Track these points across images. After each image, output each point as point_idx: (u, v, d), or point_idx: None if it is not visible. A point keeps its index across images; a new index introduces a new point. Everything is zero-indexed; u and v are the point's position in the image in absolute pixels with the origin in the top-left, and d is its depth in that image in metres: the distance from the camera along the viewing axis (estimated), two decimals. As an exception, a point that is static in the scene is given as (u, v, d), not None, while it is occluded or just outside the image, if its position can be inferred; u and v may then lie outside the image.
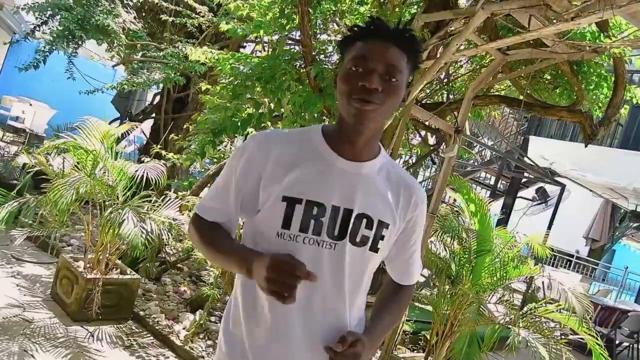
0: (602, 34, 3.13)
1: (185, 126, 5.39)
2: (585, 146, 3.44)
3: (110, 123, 8.83)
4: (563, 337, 3.93)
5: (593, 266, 15.43)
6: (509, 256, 4.26)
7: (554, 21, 2.79)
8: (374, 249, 1.34)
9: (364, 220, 1.32)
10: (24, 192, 4.15)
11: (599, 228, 14.15)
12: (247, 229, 1.40)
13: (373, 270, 1.41)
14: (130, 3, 6.06)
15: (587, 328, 3.98)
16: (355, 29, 1.30)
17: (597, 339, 3.95)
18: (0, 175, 6.19)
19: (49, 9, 5.59)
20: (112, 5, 5.65)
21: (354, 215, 1.30)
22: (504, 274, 4.21)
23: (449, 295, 4.21)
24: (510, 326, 4.02)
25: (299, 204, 1.27)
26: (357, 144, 1.32)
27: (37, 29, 5.96)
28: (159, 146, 4.70)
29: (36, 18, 5.77)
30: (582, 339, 4.08)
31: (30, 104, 13.86)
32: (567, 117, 3.50)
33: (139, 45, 6.00)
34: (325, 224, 1.28)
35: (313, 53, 2.96)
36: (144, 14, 6.90)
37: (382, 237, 1.35)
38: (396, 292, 1.55)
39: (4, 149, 6.56)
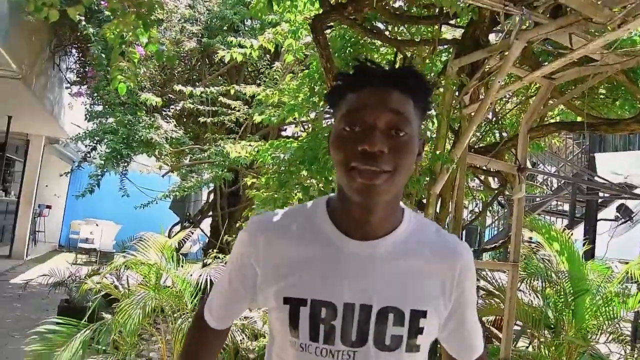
0: (654, 36, 2.90)
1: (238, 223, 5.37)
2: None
3: (171, 228, 9.08)
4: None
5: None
6: (611, 291, 3.85)
7: (597, 33, 2.59)
8: (413, 347, 1.04)
9: (391, 316, 1.02)
10: (96, 316, 4.17)
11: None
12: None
13: None
14: (170, 113, 6.29)
15: None
16: (342, 77, 1.03)
17: None
18: (74, 299, 6.29)
19: (96, 136, 5.86)
20: (152, 119, 5.86)
21: (374, 311, 1.02)
22: (610, 311, 3.80)
23: (554, 347, 3.80)
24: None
25: (303, 306, 1.02)
26: (368, 222, 1.03)
27: (89, 155, 6.25)
28: (218, 244, 4.65)
29: (86, 146, 6.05)
30: None
31: (97, 224, 14.54)
32: (638, 129, 3.21)
33: (185, 150, 6.17)
34: (337, 329, 1.01)
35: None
36: (184, 120, 7.16)
37: (421, 331, 1.04)
38: None
39: (74, 274, 6.69)
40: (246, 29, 7.14)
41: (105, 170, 5.58)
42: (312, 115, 4.32)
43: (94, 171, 5.70)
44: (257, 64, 6.60)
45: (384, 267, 1.04)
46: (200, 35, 6.78)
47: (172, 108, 6.27)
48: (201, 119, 6.03)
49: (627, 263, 4.30)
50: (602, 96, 3.76)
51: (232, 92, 5.90)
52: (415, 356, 1.05)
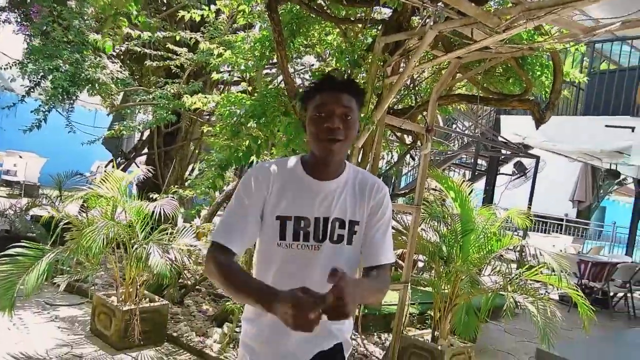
0: (535, 34, 3.67)
1: (186, 161, 5.82)
2: (537, 129, 3.98)
3: (107, 165, 9.29)
4: (546, 293, 4.46)
5: (583, 226, 16.07)
6: (492, 231, 4.79)
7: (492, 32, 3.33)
8: (349, 242, 1.73)
9: (337, 223, 1.71)
10: (47, 244, 4.60)
11: (583, 189, 14.79)
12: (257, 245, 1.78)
13: (355, 264, 1.77)
14: (114, 53, 6.50)
15: (567, 283, 4.52)
16: (314, 84, 1.71)
17: (577, 291, 4.50)
18: (17, 229, 6.59)
19: (41, 71, 6.01)
20: (99, 59, 6.09)
21: (330, 221, 1.70)
22: (490, 248, 4.75)
23: (444, 275, 4.73)
24: (502, 292, 4.56)
25: (289, 220, 1.68)
26: (328, 169, 1.72)
27: (32, 89, 6.39)
28: (175, 186, 5.13)
29: (30, 81, 6.19)
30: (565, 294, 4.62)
31: (20, 156, 14.18)
32: (518, 105, 4.03)
33: (129, 91, 6.46)
34: (311, 232, 1.69)
35: (295, 86, 3.47)
36: (128, 62, 7.35)
37: (355, 232, 1.73)
38: (371, 275, 1.75)
39: (15, 205, 6.94)
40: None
41: (52, 106, 5.80)
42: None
43: (40, 107, 5.87)
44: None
45: (335, 195, 1.72)
46: (145, -21, 6.93)
47: (117, 49, 6.47)
48: (147, 63, 6.31)
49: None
50: (499, 74, 4.55)
51: (177, 38, 6.24)
52: (349, 248, 1.73)
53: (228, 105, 3.60)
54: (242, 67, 3.89)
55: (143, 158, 9.36)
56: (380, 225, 1.79)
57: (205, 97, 4.03)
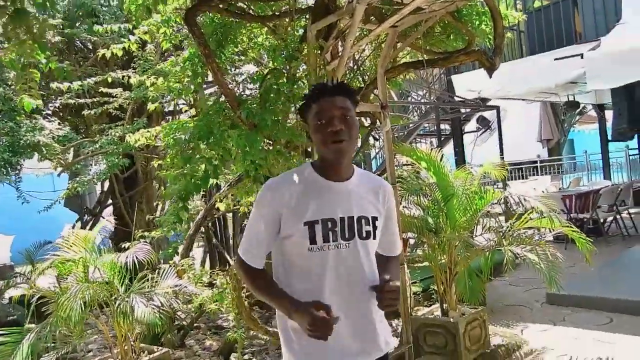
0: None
1: (152, 201, 5.61)
2: (490, 77, 3.89)
3: (73, 226, 8.96)
4: (541, 238, 4.39)
5: (557, 163, 16.26)
6: (473, 191, 4.70)
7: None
8: (374, 237, 1.86)
9: (363, 221, 1.82)
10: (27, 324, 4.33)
11: (548, 127, 14.95)
12: (276, 251, 1.87)
13: (374, 256, 1.91)
14: (50, 112, 6.23)
15: (559, 222, 4.46)
16: (308, 96, 1.83)
17: (571, 227, 4.44)
18: (-3, 317, 6.26)
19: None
20: (35, 122, 5.82)
21: (355, 219, 1.80)
22: (475, 208, 4.65)
23: (437, 246, 4.62)
24: (499, 248, 4.47)
25: (317, 224, 1.75)
26: (340, 170, 1.82)
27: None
28: (141, 230, 4.94)
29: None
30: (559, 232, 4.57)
31: (-15, 240, 13.66)
32: (465, 59, 3.94)
33: (75, 145, 6.20)
34: (338, 232, 1.77)
35: (236, 96, 3.31)
36: (68, 117, 7.08)
37: (376, 228, 1.86)
38: (388, 261, 2.03)
39: (-14, 293, 6.59)
40: (104, 9, 7.08)
41: (-1, 181, 5.53)
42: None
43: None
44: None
45: (353, 195, 1.83)
46: (62, 27, 6.67)
47: (51, 106, 6.20)
48: (84, 112, 6.06)
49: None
50: (438, 34, 4.46)
51: (108, 80, 6.00)
52: (374, 242, 1.87)
53: (171, 133, 3.41)
54: (178, 92, 3.70)
55: (110, 209, 9.09)
56: (392, 223, 2.01)
57: (148, 131, 3.83)
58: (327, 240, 1.76)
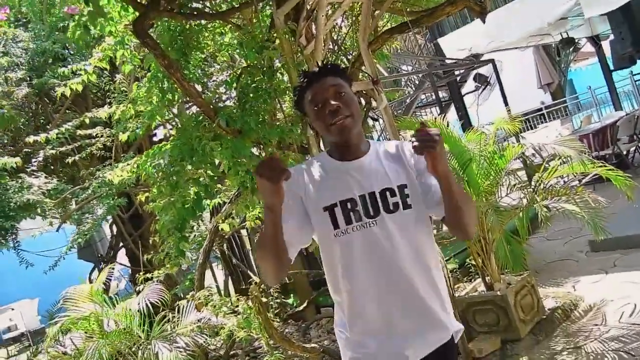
0: None
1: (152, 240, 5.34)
2: (484, 22, 3.52)
3: (90, 276, 8.73)
4: (579, 185, 4.02)
5: (563, 105, 15.79)
6: (490, 151, 4.33)
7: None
8: (406, 206, 1.68)
9: (387, 193, 1.68)
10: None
11: (545, 71, 14.49)
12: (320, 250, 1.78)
13: (423, 224, 1.73)
14: (35, 167, 5.96)
15: (590, 163, 4.09)
16: (298, 87, 1.77)
17: (605, 166, 4.06)
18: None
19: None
20: (20, 181, 5.54)
21: (376, 193, 1.67)
22: (497, 169, 4.29)
23: (465, 217, 4.25)
24: (532, 205, 4.10)
25: (336, 207, 1.67)
26: (352, 147, 1.74)
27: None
28: (142, 272, 4.65)
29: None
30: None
31: (12, 309, 13.56)
32: (452, 10, 3.56)
33: (68, 196, 5.92)
34: (361, 210, 1.66)
35: (211, 106, 2.98)
36: (52, 167, 6.80)
37: (407, 195, 1.69)
38: None
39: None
40: (71, 52, 6.80)
41: (-4, 250, 5.25)
42: (175, 111, 4.34)
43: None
44: (99, 83, 6.37)
45: (371, 169, 1.72)
46: (28, 79, 6.39)
47: (34, 161, 5.93)
48: (69, 160, 5.77)
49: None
50: (416, -10, 4.10)
51: (86, 121, 5.70)
52: (411, 211, 1.69)
53: (148, 161, 3.09)
54: (151, 113, 3.37)
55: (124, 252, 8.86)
56: (430, 177, 1.71)
57: (127, 164, 3.52)
58: (349, 222, 1.66)
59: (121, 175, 3.61)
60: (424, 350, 1.73)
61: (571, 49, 14.72)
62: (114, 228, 8.74)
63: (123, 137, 3.80)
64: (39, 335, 12.44)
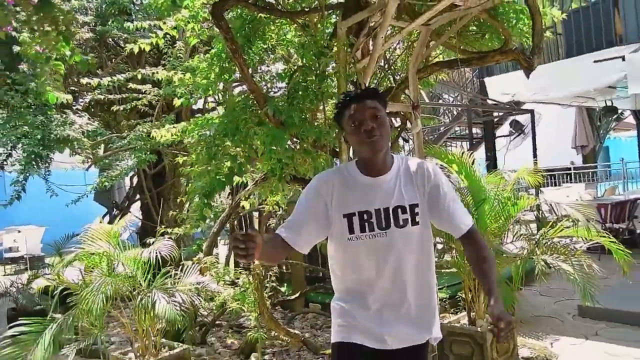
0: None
1: (176, 198, 5.61)
2: (527, 78, 3.73)
3: (102, 219, 9.06)
4: (577, 248, 4.19)
5: (592, 170, 15.78)
6: (505, 197, 4.53)
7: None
8: (414, 222, 1.97)
9: (399, 210, 1.96)
10: (52, 314, 4.36)
11: (583, 133, 14.49)
12: (329, 246, 2.07)
13: (427, 240, 2.02)
14: (80, 107, 6.29)
15: (596, 232, 4.26)
16: (340, 104, 2.03)
17: (608, 237, 4.23)
18: (23, 305, 6.36)
19: (9, 142, 5.81)
20: (65, 116, 5.88)
21: (390, 209, 1.95)
22: (507, 214, 4.48)
23: (466, 253, 4.46)
24: (531, 257, 4.29)
25: (354, 216, 1.95)
26: (378, 165, 2.00)
27: (5, 162, 6.18)
28: (163, 226, 4.93)
29: (0, 154, 5.99)
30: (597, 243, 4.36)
31: (19, 231, 13.99)
32: (501, 58, 3.78)
33: (104, 140, 6.25)
34: (374, 222, 1.94)
35: (263, 93, 3.24)
36: (94, 110, 7.15)
37: (417, 213, 1.97)
38: (469, 244, 2.06)
39: (16, 282, 6.71)
40: (137, 9, 7.15)
41: (27, 174, 5.59)
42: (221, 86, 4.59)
43: (16, 177, 5.67)
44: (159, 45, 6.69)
45: (390, 188, 1.98)
46: (93, 24, 6.73)
47: (81, 101, 6.26)
48: (114, 108, 6.10)
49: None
50: (473, 33, 4.31)
51: (139, 76, 6.02)
52: (417, 228, 1.97)
53: (196, 129, 3.37)
54: (205, 87, 3.65)
55: (138, 204, 9.17)
56: (447, 199, 2.02)
57: (174, 127, 3.80)
58: (363, 230, 1.94)
59: (165, 136, 3.90)
60: (401, 343, 2.03)
61: (613, 118, 14.73)
62: (135, 180, 9.07)
63: (177, 102, 4.09)
64: (37, 261, 12.89)
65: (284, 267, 6.55)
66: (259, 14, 3.51)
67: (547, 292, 6.43)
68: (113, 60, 7.49)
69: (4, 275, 11.78)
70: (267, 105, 3.16)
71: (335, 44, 3.41)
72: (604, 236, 4.14)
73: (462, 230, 2.03)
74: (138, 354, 4.30)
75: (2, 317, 6.46)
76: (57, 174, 6.86)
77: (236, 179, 3.47)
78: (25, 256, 13.27)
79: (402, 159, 2.11)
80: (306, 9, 3.63)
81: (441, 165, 5.20)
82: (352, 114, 1.96)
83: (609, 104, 10.65)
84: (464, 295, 4.59)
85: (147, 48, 4.17)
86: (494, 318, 1.81)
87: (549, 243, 4.22)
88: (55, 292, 4.23)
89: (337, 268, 2.08)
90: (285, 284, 6.70)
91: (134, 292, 4.21)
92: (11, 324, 3.96)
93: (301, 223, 1.98)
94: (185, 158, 3.84)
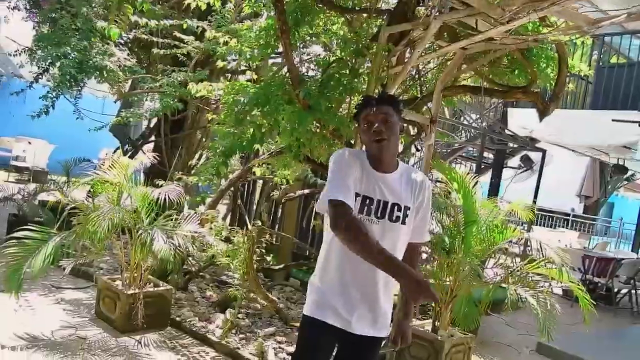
0: (541, 25, 3.66)
1: (192, 148, 5.85)
2: (540, 121, 3.97)
3: (114, 152, 9.35)
4: (548, 287, 4.46)
5: (590, 222, 15.99)
6: (494, 224, 4.79)
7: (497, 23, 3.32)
8: (403, 222, 2.22)
9: (396, 207, 2.21)
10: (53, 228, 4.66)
11: (590, 184, 14.68)
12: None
13: (404, 240, 2.27)
14: (122, 41, 6.53)
15: (569, 277, 4.53)
16: (359, 105, 2.30)
17: (579, 285, 4.50)
18: (25, 214, 6.67)
19: (49, 58, 6.05)
20: (106, 47, 6.12)
21: (389, 204, 2.20)
22: (492, 240, 4.75)
23: (446, 266, 4.75)
24: (503, 285, 4.57)
25: (359, 197, 2.16)
26: (383, 163, 2.23)
27: (40, 76, 6.45)
28: (176, 172, 5.18)
29: (38, 67, 6.25)
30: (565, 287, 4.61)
31: (29, 142, 14.29)
32: (522, 97, 4.02)
33: (138, 78, 6.49)
34: (373, 209, 2.18)
35: (299, 75, 3.49)
36: (136, 50, 7.38)
37: (407, 215, 2.23)
38: (411, 249, 2.35)
39: (23, 190, 7.01)
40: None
41: (60, 93, 5.84)
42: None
43: (48, 93, 5.91)
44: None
45: (393, 185, 2.23)
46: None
47: (124, 37, 6.50)
48: (154, 50, 6.34)
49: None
50: (504, 66, 4.54)
51: (184, 26, 6.25)
52: (403, 227, 2.23)
53: (233, 93, 3.63)
54: (248, 56, 3.92)
55: (150, 146, 9.43)
56: (427, 211, 2.34)
57: (211, 85, 4.06)
58: (362, 212, 2.16)
59: (201, 91, 4.17)
60: (363, 330, 2.23)
61: (624, 177, 14.90)
62: (153, 122, 9.29)
63: (220, 64, 4.34)
64: (41, 175, 13.22)
65: (274, 239, 6.85)
66: (314, 3, 3.75)
67: (513, 323, 6.72)
68: (162, 3, 7.70)
69: (6, 181, 12.11)
70: (300, 88, 3.43)
71: (374, 46, 3.66)
72: (574, 283, 4.41)
73: (421, 239, 2.38)
74: (125, 283, 4.62)
75: (2, 220, 6.77)
76: (85, 99, 7.11)
77: (256, 146, 3.75)
78: (30, 168, 13.59)
79: (407, 167, 2.37)
80: (356, 8, 3.87)
81: (443, 180, 5.45)
82: (367, 115, 2.22)
83: (620, 162, 10.83)
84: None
85: (204, 6, 4.40)
86: (398, 333, 2.35)
87: (523, 275, 4.49)
88: (65, 208, 4.52)
89: (330, 244, 2.24)
90: (272, 254, 7.00)
91: (136, 227, 4.51)
92: (13, 230, 4.23)
93: (348, 185, 2.12)
94: (214, 116, 4.11)
